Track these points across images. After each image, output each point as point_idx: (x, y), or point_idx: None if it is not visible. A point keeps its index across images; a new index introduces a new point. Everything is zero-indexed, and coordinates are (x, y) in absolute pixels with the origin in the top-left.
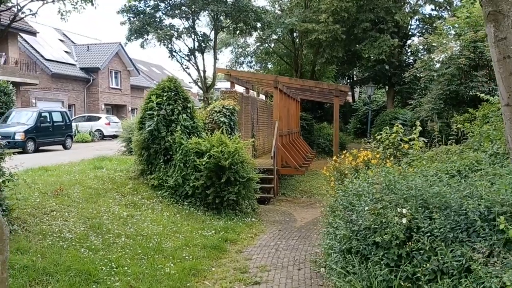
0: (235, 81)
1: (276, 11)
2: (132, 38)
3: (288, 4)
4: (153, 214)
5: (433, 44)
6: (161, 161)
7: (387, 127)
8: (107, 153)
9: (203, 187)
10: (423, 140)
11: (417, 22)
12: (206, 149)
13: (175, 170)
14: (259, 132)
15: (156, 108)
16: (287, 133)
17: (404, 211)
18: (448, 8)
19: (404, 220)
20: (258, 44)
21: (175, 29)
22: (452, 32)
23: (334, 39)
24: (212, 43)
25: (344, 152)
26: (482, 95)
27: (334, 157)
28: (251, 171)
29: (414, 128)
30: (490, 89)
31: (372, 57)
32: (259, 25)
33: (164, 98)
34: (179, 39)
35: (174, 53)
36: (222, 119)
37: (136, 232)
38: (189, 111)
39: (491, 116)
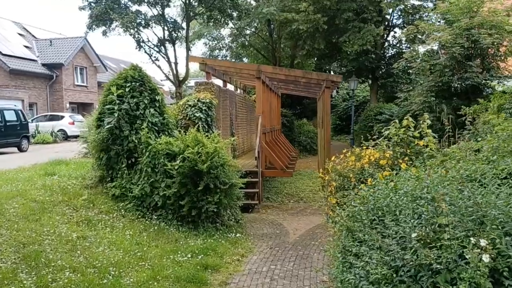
0: (212, 72)
1: (252, 1)
2: (93, 26)
3: None
4: (112, 234)
5: (421, 34)
6: (123, 165)
7: (396, 121)
8: (67, 156)
9: (176, 196)
10: (433, 136)
11: (399, 13)
12: (179, 150)
13: (141, 176)
14: (238, 129)
15: (117, 101)
16: (270, 130)
17: (482, 242)
18: None
19: (485, 258)
20: (233, 37)
21: (142, 16)
22: (436, 22)
23: (315, 29)
24: (184, 33)
25: (344, 151)
26: (494, 83)
27: (333, 157)
28: (233, 176)
29: (421, 122)
30: (486, 80)
31: (355, 49)
32: (235, 14)
33: (127, 90)
34: (147, 28)
35: (141, 43)
36: (197, 115)
37: (87, 262)
38: (157, 105)
39: (508, 107)
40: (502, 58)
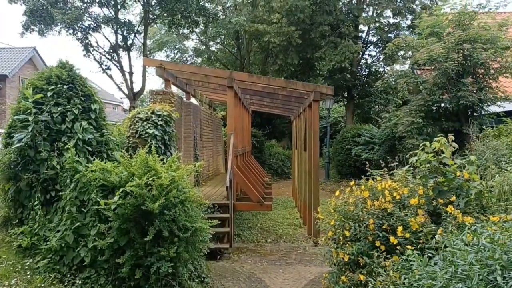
0: (172, 80)
1: (220, 14)
2: (31, 26)
3: (233, 2)
4: None
5: (407, 48)
6: (38, 202)
7: (426, 143)
8: None
9: (113, 249)
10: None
11: (375, 30)
12: (120, 180)
13: (62, 219)
14: (203, 151)
15: (34, 110)
16: (242, 152)
17: None
18: (408, 16)
19: None
20: (198, 51)
21: (91, 16)
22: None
23: (288, 43)
24: (141, 38)
25: (352, 183)
26: None
27: (337, 192)
28: (198, 216)
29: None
30: (481, 99)
31: (332, 65)
32: (201, 20)
33: (49, 94)
34: (98, 31)
35: (90, 48)
36: (150, 131)
37: None
38: (93, 116)
39: None
40: (494, 76)
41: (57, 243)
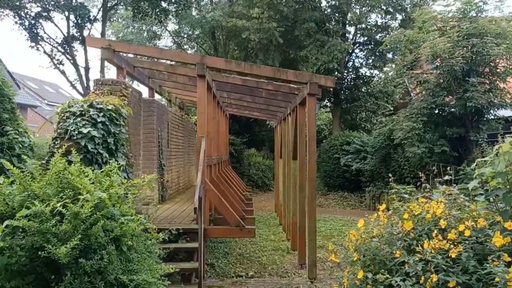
0: (128, 69)
1: (194, 12)
2: None
3: None
4: None
5: (408, 43)
6: None
7: (502, 145)
8: None
9: None
10: None
11: (362, 31)
12: (13, 205)
13: None
14: (172, 160)
15: None
16: (216, 162)
17: None
18: (398, 16)
19: None
20: (171, 46)
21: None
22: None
23: (269, 41)
24: (99, 28)
25: (382, 207)
26: None
27: (361, 223)
28: (144, 262)
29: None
30: (490, 101)
31: (319, 65)
32: (172, 8)
33: None
34: (50, 20)
35: (39, 38)
36: (85, 131)
37: None
38: None
39: None
40: (502, 77)
41: None
